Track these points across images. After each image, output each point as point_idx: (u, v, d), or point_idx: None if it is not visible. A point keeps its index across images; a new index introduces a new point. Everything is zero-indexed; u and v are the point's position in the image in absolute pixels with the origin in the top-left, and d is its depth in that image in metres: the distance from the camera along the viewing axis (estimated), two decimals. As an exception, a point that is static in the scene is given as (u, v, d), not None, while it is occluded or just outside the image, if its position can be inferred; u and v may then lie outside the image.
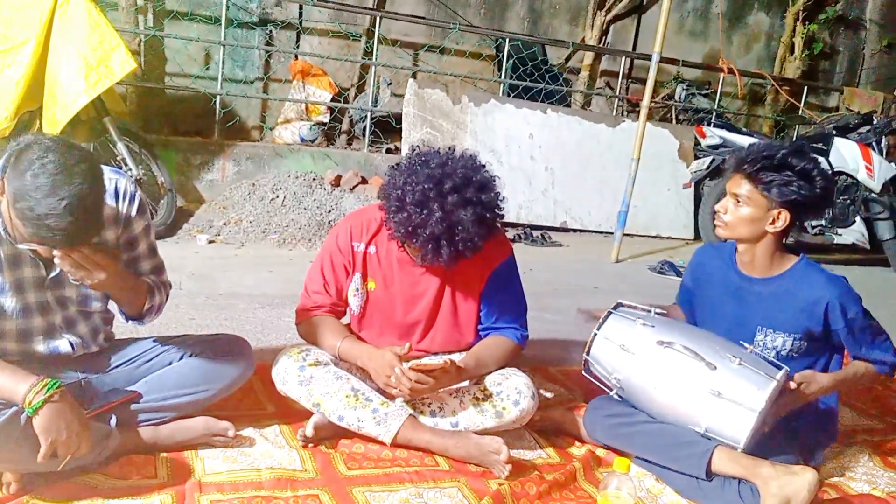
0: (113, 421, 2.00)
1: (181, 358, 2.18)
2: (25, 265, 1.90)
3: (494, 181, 2.21)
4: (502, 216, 2.23)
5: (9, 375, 1.72)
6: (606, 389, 2.32)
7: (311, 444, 2.22)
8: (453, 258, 2.15)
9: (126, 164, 4.45)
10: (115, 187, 1.97)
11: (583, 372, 2.36)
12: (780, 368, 2.11)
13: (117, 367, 2.15)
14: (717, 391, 2.07)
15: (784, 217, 2.21)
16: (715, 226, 2.32)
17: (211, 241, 4.92)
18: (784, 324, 2.26)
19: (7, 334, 1.93)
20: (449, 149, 2.24)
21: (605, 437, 2.35)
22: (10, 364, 1.77)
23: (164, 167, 4.87)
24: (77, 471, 1.89)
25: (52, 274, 1.94)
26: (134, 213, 2.01)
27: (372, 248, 2.37)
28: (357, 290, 2.39)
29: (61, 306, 2.00)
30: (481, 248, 2.20)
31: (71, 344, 2.02)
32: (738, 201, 2.23)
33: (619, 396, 2.30)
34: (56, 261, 1.77)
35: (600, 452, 2.36)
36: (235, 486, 1.97)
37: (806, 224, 6.18)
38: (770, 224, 2.22)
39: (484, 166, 2.22)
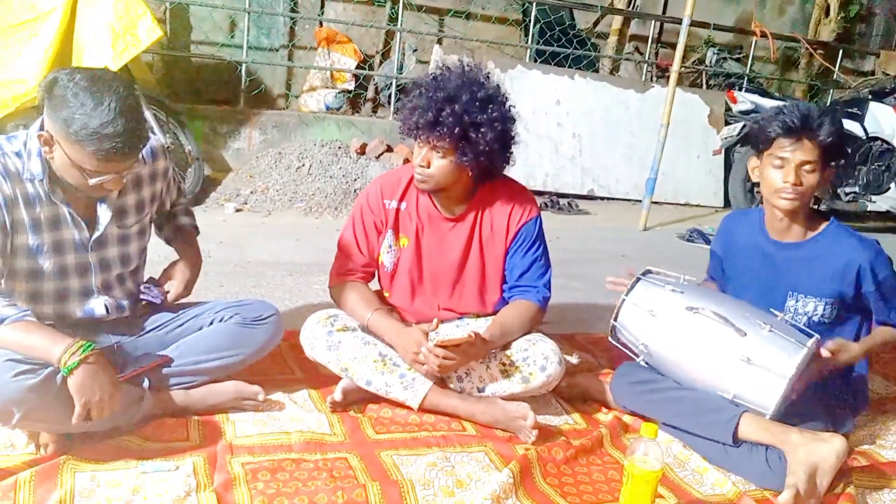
0: (145, 384, 2.04)
1: (211, 323, 2.21)
2: (66, 227, 1.94)
3: (505, 97, 2.27)
4: (498, 111, 2.23)
5: (46, 336, 1.76)
6: (634, 356, 2.31)
7: (339, 409, 2.25)
8: (431, 113, 2.15)
9: (153, 133, 4.47)
10: (153, 147, 2.10)
11: (609, 338, 2.36)
12: (810, 336, 2.09)
13: (149, 331, 2.19)
14: (747, 357, 2.05)
15: (829, 175, 2.20)
16: (783, 199, 2.18)
17: (238, 210, 4.95)
18: (815, 288, 2.23)
19: (44, 295, 1.97)
20: None
21: (632, 404, 2.35)
22: (46, 327, 1.81)
23: (191, 136, 4.89)
24: (111, 433, 1.94)
25: (96, 235, 1.99)
26: (169, 164, 2.18)
27: (403, 205, 2.39)
28: (390, 246, 2.41)
29: (103, 268, 2.05)
30: (491, 146, 2.20)
31: (106, 307, 2.06)
32: (808, 168, 2.15)
33: (647, 363, 2.29)
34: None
35: (627, 419, 2.36)
36: (266, 449, 2.00)
37: (839, 191, 6.07)
38: (821, 184, 2.19)
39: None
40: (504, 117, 2.23)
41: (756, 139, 2.26)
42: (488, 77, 2.27)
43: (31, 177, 1.86)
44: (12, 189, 1.84)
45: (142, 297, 2.19)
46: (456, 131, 2.15)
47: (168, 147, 4.43)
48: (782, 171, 2.18)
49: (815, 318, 2.23)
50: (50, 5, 3.90)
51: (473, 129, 2.17)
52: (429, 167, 2.23)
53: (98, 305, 2.06)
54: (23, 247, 1.90)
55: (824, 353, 2.09)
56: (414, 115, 2.19)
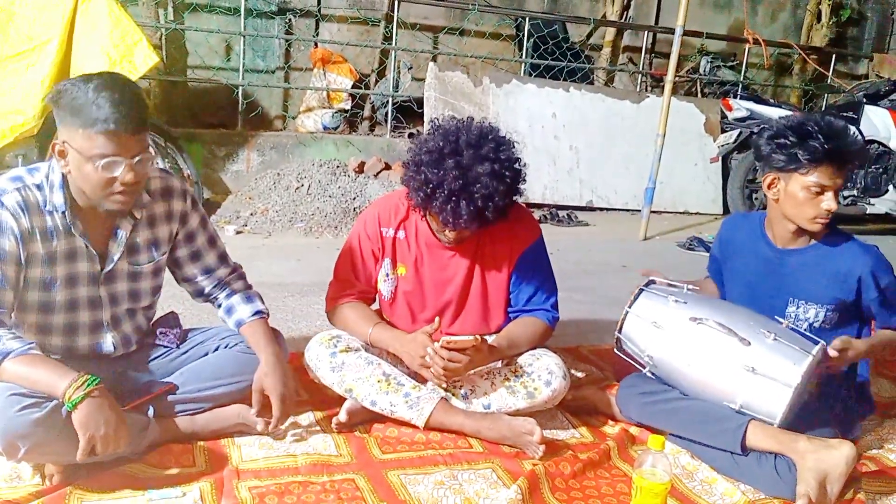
0: (150, 412, 2.03)
1: (216, 349, 2.21)
2: (81, 260, 1.95)
3: (513, 144, 2.20)
4: (523, 178, 2.21)
5: (51, 370, 1.75)
6: (639, 367, 2.30)
7: (345, 430, 2.24)
8: (474, 217, 2.11)
9: (168, 172, 4.47)
10: (168, 185, 2.09)
11: (615, 350, 2.35)
12: (816, 343, 2.08)
13: (153, 359, 2.18)
14: (752, 367, 2.05)
15: None
16: (819, 223, 2.17)
17: (239, 232, 4.96)
18: (816, 295, 2.23)
19: (54, 328, 1.98)
20: (467, 118, 2.25)
21: (639, 415, 2.34)
22: (51, 360, 1.81)
23: (190, 160, 4.91)
24: (117, 461, 1.93)
25: (107, 269, 1.99)
26: (189, 208, 2.12)
27: (401, 234, 2.37)
28: (387, 275, 2.39)
29: (112, 302, 2.04)
30: (506, 213, 2.19)
31: (113, 343, 2.06)
32: (838, 190, 2.15)
33: (653, 374, 2.28)
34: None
35: (634, 430, 2.35)
36: (272, 473, 1.99)
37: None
38: None
39: (503, 134, 2.21)
40: (521, 170, 2.20)
41: (773, 157, 2.19)
42: (493, 130, 2.20)
43: (52, 208, 1.87)
44: (30, 223, 1.84)
45: (156, 342, 2.20)
46: (470, 224, 2.14)
47: (168, 170, 4.47)
48: (820, 197, 2.14)
49: (816, 325, 2.23)
50: (46, 35, 3.92)
51: (503, 199, 2.14)
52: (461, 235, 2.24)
53: (106, 341, 2.06)
54: (35, 280, 1.90)
55: (831, 352, 2.07)
56: (446, 208, 2.10)
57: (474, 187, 2.08)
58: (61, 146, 1.81)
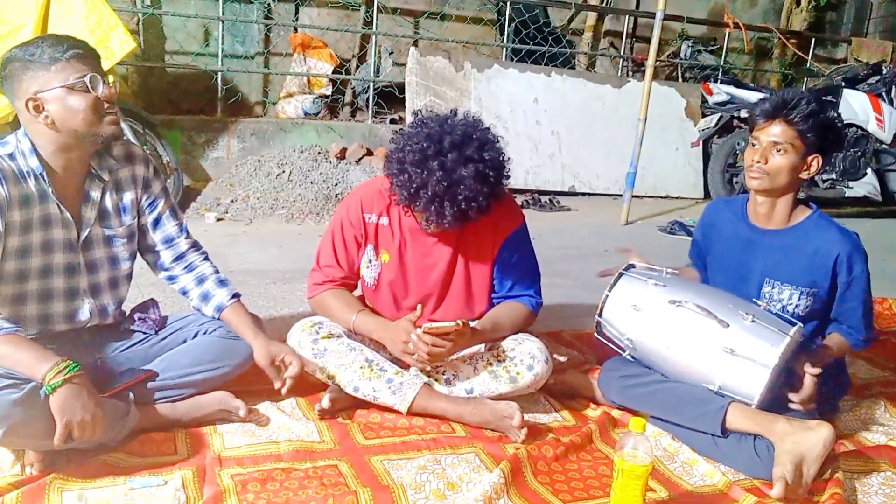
0: (130, 398, 2.02)
1: (195, 336, 2.20)
2: (56, 226, 1.95)
3: (497, 140, 2.18)
4: (507, 175, 2.20)
5: (33, 353, 1.75)
6: (620, 351, 2.32)
7: (328, 416, 2.24)
8: (458, 218, 2.12)
9: (133, 143, 4.44)
10: (130, 151, 2.13)
11: (595, 334, 2.36)
12: (793, 324, 2.10)
13: (133, 345, 2.18)
14: (731, 348, 2.07)
15: (817, 163, 2.20)
16: (751, 177, 2.23)
17: (219, 219, 4.92)
18: (792, 276, 2.24)
19: (28, 295, 1.96)
20: (451, 111, 2.22)
21: (620, 398, 2.36)
22: (34, 343, 1.80)
23: (169, 147, 4.87)
24: (98, 449, 1.92)
25: (84, 235, 2.00)
26: (151, 175, 2.15)
27: (384, 220, 2.36)
28: (370, 262, 2.39)
29: (91, 269, 2.04)
30: (489, 210, 2.17)
31: (90, 311, 2.05)
32: (779, 149, 2.18)
33: (633, 357, 2.30)
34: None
35: (615, 413, 2.37)
36: (255, 460, 1.99)
37: (817, 178, 6.14)
38: (805, 171, 2.20)
39: (487, 126, 2.20)
40: (505, 166, 2.18)
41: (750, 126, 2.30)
42: (478, 127, 2.16)
43: (30, 171, 1.88)
44: (8, 192, 1.84)
45: (135, 328, 2.20)
46: (453, 224, 2.13)
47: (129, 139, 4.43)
48: (754, 150, 2.22)
49: (790, 309, 2.24)
50: (21, 21, 3.87)
51: (487, 199, 2.13)
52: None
53: (83, 308, 2.05)
54: (13, 249, 1.89)
55: (812, 370, 2.11)
56: (430, 209, 2.09)
57: (458, 188, 2.06)
58: (35, 102, 1.83)
